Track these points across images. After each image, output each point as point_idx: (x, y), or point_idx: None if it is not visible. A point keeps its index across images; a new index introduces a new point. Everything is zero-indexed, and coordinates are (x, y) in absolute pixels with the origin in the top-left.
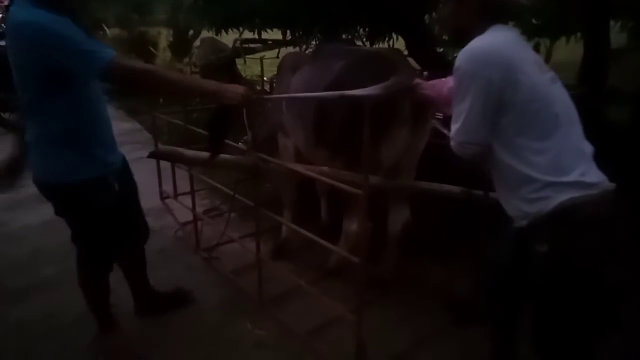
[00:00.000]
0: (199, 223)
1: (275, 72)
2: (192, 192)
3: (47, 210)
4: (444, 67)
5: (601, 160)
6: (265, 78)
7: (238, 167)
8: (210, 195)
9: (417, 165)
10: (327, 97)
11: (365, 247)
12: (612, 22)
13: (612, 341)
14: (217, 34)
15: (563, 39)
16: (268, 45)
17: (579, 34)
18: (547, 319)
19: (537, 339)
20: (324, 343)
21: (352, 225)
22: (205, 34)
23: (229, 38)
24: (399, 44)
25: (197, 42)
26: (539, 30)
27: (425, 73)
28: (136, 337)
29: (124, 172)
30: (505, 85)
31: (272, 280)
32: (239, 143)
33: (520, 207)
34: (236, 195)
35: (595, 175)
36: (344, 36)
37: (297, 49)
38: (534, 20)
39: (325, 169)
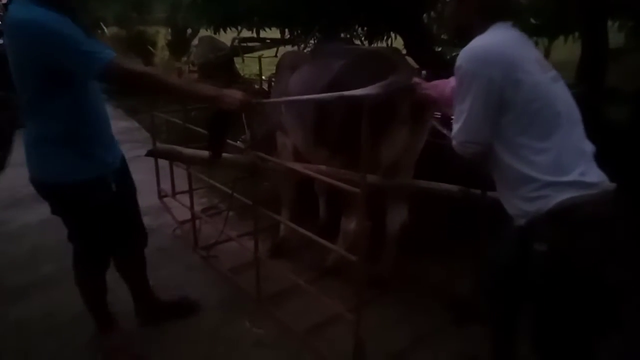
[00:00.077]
0: (197, 222)
1: (273, 71)
2: (191, 191)
3: (46, 209)
4: (442, 66)
5: (600, 159)
6: (263, 77)
7: (236, 166)
8: (209, 194)
9: (415, 164)
10: (327, 99)
11: (363, 246)
12: (610, 22)
13: (612, 341)
14: (215, 33)
15: (561, 38)
16: (266, 44)
17: (577, 34)
18: (547, 319)
19: (537, 339)
20: (323, 342)
21: (350, 224)
22: (204, 32)
23: (227, 37)
24: (398, 43)
25: (195, 41)
26: (538, 29)
27: (424, 72)
28: (135, 336)
29: (123, 172)
30: (506, 84)
31: (270, 279)
32: (238, 142)
33: (520, 206)
34: (234, 194)
35: (595, 175)
36: (342, 35)
37: (296, 48)
38: (532, 20)
39: (323, 167)
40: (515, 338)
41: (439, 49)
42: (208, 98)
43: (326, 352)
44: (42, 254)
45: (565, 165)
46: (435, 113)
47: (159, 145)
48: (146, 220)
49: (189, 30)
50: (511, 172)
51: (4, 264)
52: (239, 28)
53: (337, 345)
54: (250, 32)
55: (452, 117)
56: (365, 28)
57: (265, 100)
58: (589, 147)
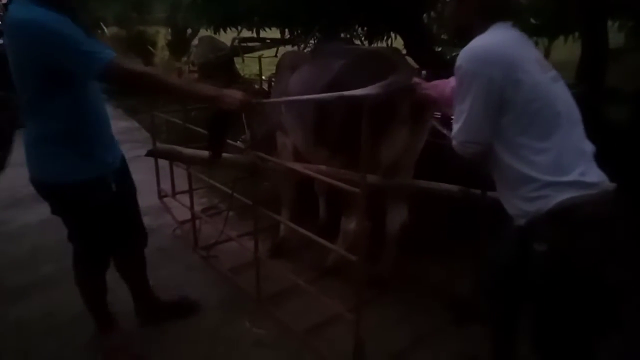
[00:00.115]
0: (197, 222)
1: (273, 71)
2: (191, 191)
3: (46, 209)
4: (442, 66)
5: (600, 159)
6: (263, 77)
7: (236, 166)
8: (209, 194)
9: (415, 164)
10: (327, 99)
11: (363, 245)
12: (610, 22)
13: (612, 341)
14: (215, 33)
15: (561, 38)
16: (266, 44)
17: (577, 34)
18: (546, 319)
19: (537, 339)
20: (323, 341)
21: (350, 224)
22: (204, 32)
23: (227, 37)
24: (398, 43)
25: (195, 41)
26: (538, 29)
27: (424, 72)
28: (135, 336)
29: (123, 172)
30: (506, 84)
31: (270, 279)
32: (238, 142)
33: (520, 205)
34: (234, 194)
35: (595, 175)
36: (342, 35)
37: (296, 47)
38: (532, 20)
39: (323, 167)
40: (515, 338)
41: (439, 49)
42: (208, 98)
43: (326, 352)
44: (42, 253)
45: (565, 165)
46: (435, 113)
47: (159, 145)
48: (146, 220)
49: (189, 30)
50: (511, 172)
51: (3, 263)
52: (239, 28)
53: (337, 345)
54: (250, 32)
55: (452, 117)
56: (365, 28)
57: (265, 100)
58: (589, 147)
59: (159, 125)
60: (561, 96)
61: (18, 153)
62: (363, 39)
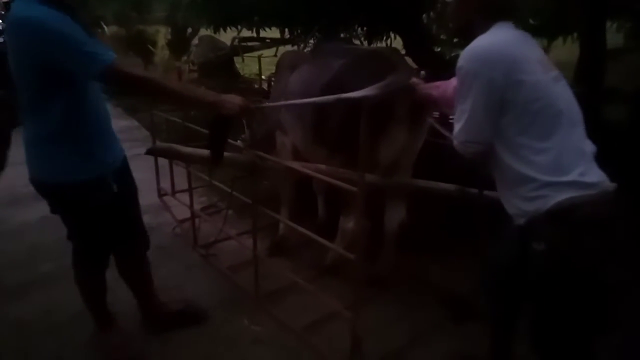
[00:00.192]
0: (197, 220)
1: (273, 71)
2: (190, 189)
3: (45, 207)
4: (441, 67)
5: (600, 159)
6: (263, 76)
7: (236, 165)
8: (208, 193)
9: (414, 164)
10: (326, 102)
11: (362, 244)
12: (608, 23)
13: (612, 341)
14: (215, 32)
15: (560, 38)
16: (266, 43)
17: (576, 34)
18: (546, 318)
19: (536, 338)
20: (321, 339)
21: (349, 223)
22: (204, 32)
23: (227, 36)
24: (397, 43)
25: (195, 41)
26: (537, 29)
27: (423, 72)
28: (134, 335)
29: (124, 171)
30: (507, 84)
31: (269, 277)
32: (237, 141)
33: (519, 205)
34: (234, 193)
35: (595, 175)
36: (342, 35)
37: (296, 47)
38: (531, 20)
39: (322, 166)
40: (514, 337)
41: (439, 49)
42: (208, 103)
43: (324, 349)
44: (41, 252)
45: (565, 165)
46: (434, 113)
47: (159, 143)
48: (146, 219)
49: (189, 30)
50: (511, 172)
51: (3, 262)
52: (239, 28)
53: (335, 343)
54: (250, 31)
55: (453, 117)
56: (365, 28)
57: (264, 105)
58: (589, 147)
59: (159, 124)
60: (563, 96)
61: (18, 152)
62: (363, 39)
